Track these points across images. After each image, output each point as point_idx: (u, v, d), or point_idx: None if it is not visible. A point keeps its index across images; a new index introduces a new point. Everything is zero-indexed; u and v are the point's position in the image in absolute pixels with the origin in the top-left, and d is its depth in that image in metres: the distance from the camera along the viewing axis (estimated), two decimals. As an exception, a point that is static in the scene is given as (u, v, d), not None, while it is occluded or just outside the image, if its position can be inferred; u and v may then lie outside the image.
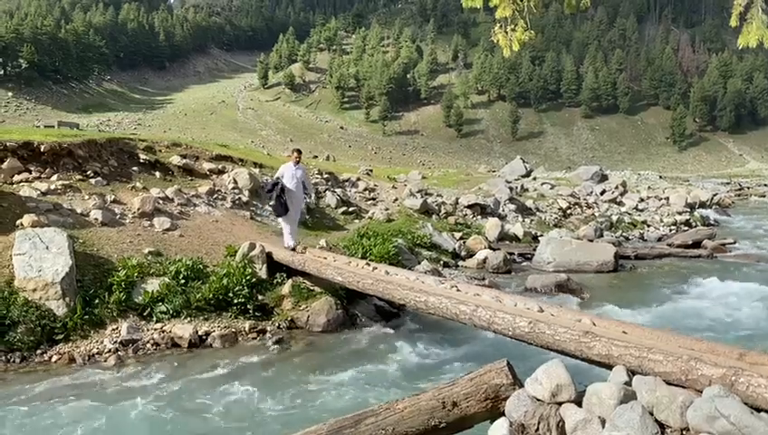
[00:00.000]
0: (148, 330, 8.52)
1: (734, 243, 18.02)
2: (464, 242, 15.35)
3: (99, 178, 11.62)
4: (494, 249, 15.03)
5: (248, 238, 10.91)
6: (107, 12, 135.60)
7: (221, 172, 14.10)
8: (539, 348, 5.62)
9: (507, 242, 16.61)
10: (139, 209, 10.86)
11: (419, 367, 7.71)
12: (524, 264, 14.84)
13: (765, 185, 54.40)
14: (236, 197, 13.10)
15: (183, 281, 9.29)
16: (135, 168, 12.86)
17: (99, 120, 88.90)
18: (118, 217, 10.61)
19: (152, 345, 8.26)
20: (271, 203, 10.58)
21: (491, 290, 8.03)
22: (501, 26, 4.10)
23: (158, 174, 13.01)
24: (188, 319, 8.82)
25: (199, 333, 8.57)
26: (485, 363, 5.37)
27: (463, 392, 4.83)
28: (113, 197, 11.14)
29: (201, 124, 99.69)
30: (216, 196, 12.87)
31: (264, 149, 47.65)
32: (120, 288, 8.79)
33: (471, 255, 14.76)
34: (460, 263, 14.39)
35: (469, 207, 18.61)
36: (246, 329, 8.88)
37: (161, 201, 11.56)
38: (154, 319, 8.71)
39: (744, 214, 28.46)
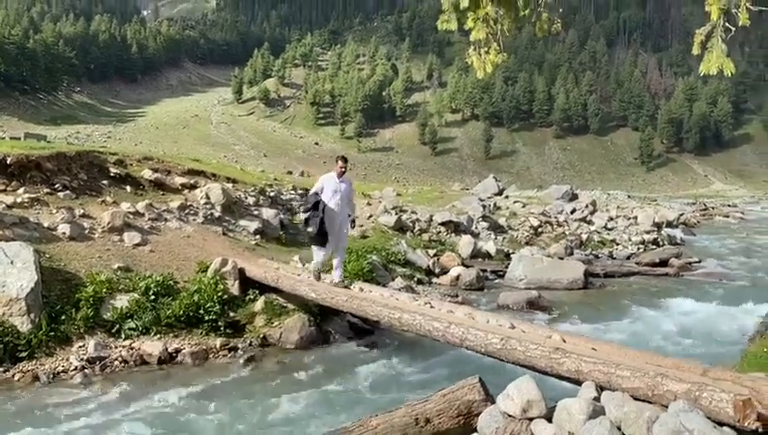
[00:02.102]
0: (116, 347, 8.36)
1: (700, 262, 18.45)
2: (437, 259, 15.44)
3: (67, 192, 11.43)
4: (467, 266, 15.15)
5: (220, 254, 10.81)
6: (77, 23, 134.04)
7: (193, 187, 13.97)
8: (511, 364, 5.69)
9: (480, 259, 16.76)
10: (108, 224, 10.70)
11: (393, 384, 7.70)
12: (497, 281, 14.97)
13: (729, 205, 55.87)
14: (209, 212, 12.99)
15: (153, 297, 9.15)
16: (105, 181, 12.67)
17: (67, 133, 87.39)
18: (87, 231, 10.43)
19: (120, 363, 8.10)
20: (309, 229, 8.49)
21: (464, 307, 8.10)
22: (475, 48, 4.21)
23: (128, 188, 12.84)
24: (158, 336, 8.68)
25: (169, 350, 8.43)
26: (458, 380, 5.42)
27: (436, 409, 4.87)
28: (82, 211, 10.95)
29: (173, 138, 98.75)
30: (187, 211, 12.74)
31: (238, 164, 47.37)
32: (87, 304, 8.61)
33: (444, 272, 14.84)
34: (434, 280, 14.46)
35: (443, 224, 18.74)
36: (217, 346, 8.77)
37: (132, 216, 11.40)
38: (123, 336, 8.55)
39: (709, 233, 29.17)
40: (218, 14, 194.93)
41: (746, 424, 3.69)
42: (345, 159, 8.93)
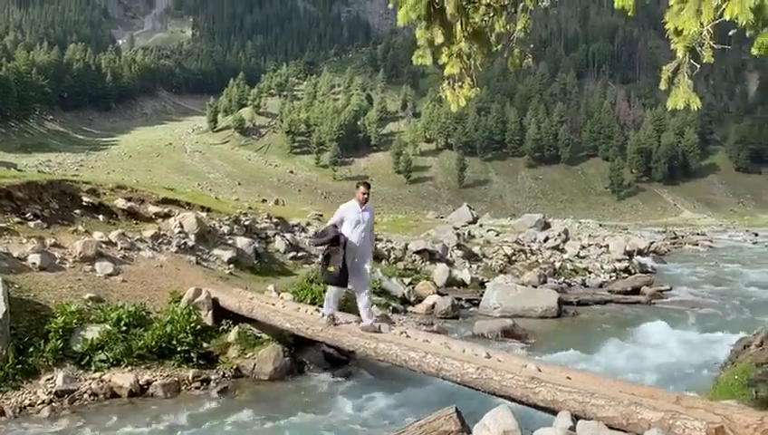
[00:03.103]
0: (85, 379, 8.15)
1: (671, 289, 18.74)
2: (413, 287, 15.44)
3: (38, 221, 11.22)
4: (442, 295, 15.17)
5: (194, 284, 10.68)
6: (51, 51, 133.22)
7: (167, 216, 13.83)
8: (487, 394, 5.70)
9: (455, 287, 16.80)
10: (80, 253, 10.51)
11: (368, 415, 7.63)
12: (472, 309, 15.00)
13: (698, 234, 57.08)
14: (182, 241, 12.84)
15: (124, 328, 8.97)
16: (77, 210, 12.48)
17: (39, 161, 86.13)
18: (57, 261, 10.23)
19: (90, 396, 7.90)
20: (330, 268, 7.39)
21: (440, 336, 8.11)
22: (449, 83, 4.31)
23: (101, 217, 12.67)
24: (129, 368, 8.49)
25: (140, 382, 8.25)
26: (435, 410, 5.40)
27: (412, 440, 4.83)
28: (53, 240, 10.75)
29: (147, 166, 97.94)
30: (161, 240, 12.58)
31: (212, 193, 47.02)
32: (57, 336, 8.40)
33: (420, 300, 14.83)
34: (409, 308, 14.43)
35: (418, 252, 18.78)
36: (190, 378, 8.61)
37: (104, 245, 11.23)
38: (93, 368, 8.34)
39: (680, 261, 29.71)
40: (194, 44, 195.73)
41: (718, 451, 3.75)
42: (368, 185, 7.89)
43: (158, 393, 8.16)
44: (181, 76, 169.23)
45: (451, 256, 19.75)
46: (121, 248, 11.44)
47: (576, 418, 4.50)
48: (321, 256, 7.61)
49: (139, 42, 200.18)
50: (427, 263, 18.40)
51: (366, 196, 7.74)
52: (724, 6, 2.98)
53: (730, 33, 3.17)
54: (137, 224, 13.07)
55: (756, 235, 55.11)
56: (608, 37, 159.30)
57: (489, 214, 57.20)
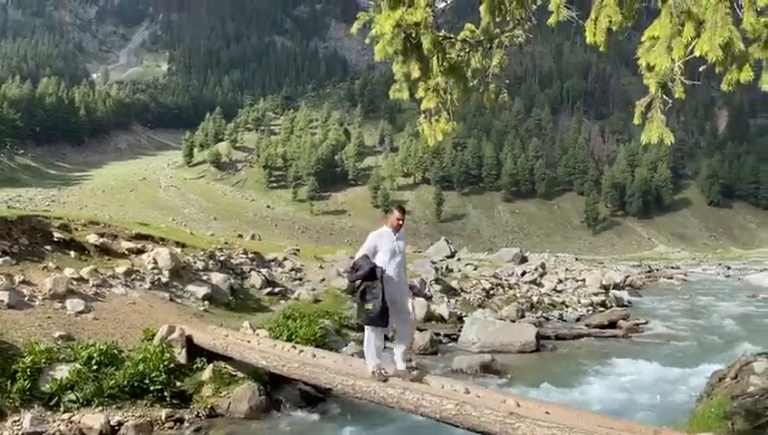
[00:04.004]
0: (54, 421, 7.85)
1: (647, 323, 18.88)
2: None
3: (7, 258, 10.96)
4: (420, 330, 15.04)
5: (167, 321, 10.45)
6: (24, 85, 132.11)
7: (140, 252, 13.63)
8: (466, 430, 5.62)
9: (433, 322, 16.70)
10: (50, 291, 10.26)
11: (346, 454, 7.46)
12: (450, 344, 14.91)
13: (672, 267, 57.89)
14: (156, 277, 12.63)
15: (95, 367, 8.71)
16: (48, 246, 12.23)
17: (8, 196, 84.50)
18: (26, 298, 9.96)
19: (58, 438, 7.61)
20: (367, 307, 6.31)
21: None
22: (425, 117, 4.37)
23: (72, 253, 12.42)
24: (100, 408, 8.22)
25: (111, 422, 7.98)
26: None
27: (391, 480, 4.72)
28: (22, 277, 10.48)
29: (120, 202, 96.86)
30: (134, 276, 12.36)
31: (187, 228, 46.58)
32: (24, 376, 8.11)
33: (398, 336, 14.70)
34: (387, 344, 14.27)
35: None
36: (163, 418, 8.35)
37: (75, 282, 10.98)
38: (62, 409, 8.05)
39: (655, 295, 30.02)
40: (170, 79, 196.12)
41: (699, 486, 3.72)
42: (403, 210, 6.89)
43: (129, 434, 7.90)
44: (156, 111, 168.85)
45: (429, 290, 19.70)
46: (93, 285, 11.20)
47: (556, 454, 4.46)
48: (356, 294, 6.53)
49: (114, 76, 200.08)
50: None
51: (401, 222, 6.69)
52: (694, 43, 3.08)
53: (700, 69, 3.27)
54: (109, 260, 12.84)
55: (729, 268, 56.08)
56: (581, 74, 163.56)
57: (467, 248, 57.51)
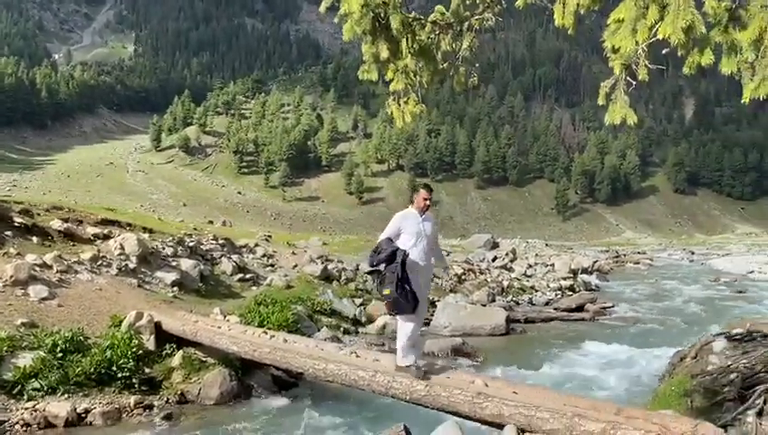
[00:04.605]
0: (17, 409, 7.71)
1: (613, 306, 19.28)
2: (364, 308, 15.37)
3: (-33, 243, 10.68)
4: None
5: (135, 307, 10.32)
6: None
7: (107, 237, 13.39)
8: (437, 411, 5.68)
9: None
10: (11, 277, 10.03)
11: (317, 437, 7.49)
12: (422, 329, 14.98)
13: (639, 253, 59.09)
14: (123, 263, 12.44)
15: (61, 354, 8.57)
16: (9, 232, 11.94)
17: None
18: (-13, 284, 9.73)
19: (22, 427, 7.47)
20: (384, 292, 5.73)
21: (390, 355, 8.04)
22: (394, 99, 4.35)
23: (35, 239, 12.15)
24: (66, 396, 8.10)
25: (78, 410, 7.87)
26: (384, 429, 5.35)
27: (360, 461, 4.76)
28: (-17, 263, 10.24)
29: (86, 187, 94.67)
30: (100, 262, 12.15)
31: (156, 214, 45.91)
32: (-15, 364, 7.96)
33: (371, 321, 14.78)
34: (361, 329, 14.35)
35: (370, 273, 18.70)
36: (131, 404, 8.27)
37: (38, 268, 10.75)
38: (25, 397, 7.90)
39: (622, 279, 30.64)
40: (136, 60, 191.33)
41: (659, 460, 3.83)
42: (430, 189, 6.25)
43: (97, 422, 7.82)
44: (123, 93, 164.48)
45: (401, 275, 19.78)
46: (57, 271, 10.99)
47: (522, 431, 4.54)
48: (376, 281, 5.94)
49: (77, 57, 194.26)
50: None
51: (428, 202, 6.12)
52: (658, 26, 3.12)
53: (663, 52, 3.32)
54: (74, 246, 12.60)
55: (693, 253, 57.47)
56: (553, 61, 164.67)
57: (440, 234, 57.73)
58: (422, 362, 6.09)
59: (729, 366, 6.65)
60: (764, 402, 5.60)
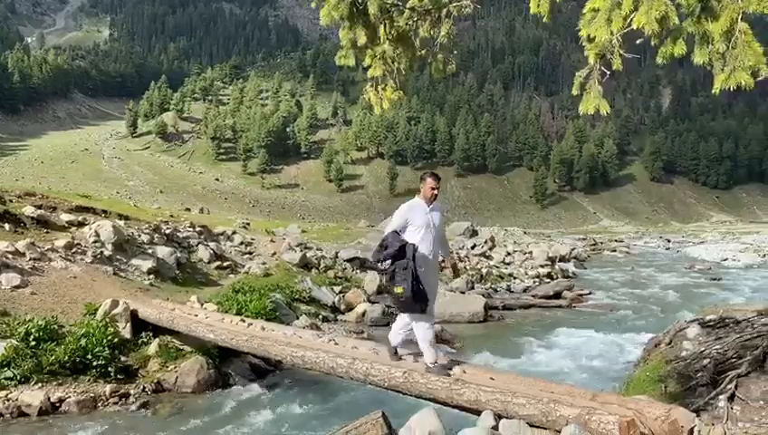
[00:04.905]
0: (-11, 399, 7.60)
1: (590, 293, 19.53)
2: (343, 296, 15.37)
3: (-64, 230, 10.43)
4: (372, 302, 15.18)
5: (111, 295, 10.20)
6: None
7: (82, 224, 13.18)
8: (415, 398, 5.71)
9: (385, 295, 16.83)
10: (-17, 264, 9.84)
11: (296, 424, 7.49)
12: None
13: (616, 240, 59.85)
14: (98, 251, 12.26)
15: (34, 343, 8.44)
16: (-19, 219, 11.70)
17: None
18: (-43, 272, 9.53)
19: (-6, 416, 7.37)
20: (396, 290, 5.36)
21: (368, 342, 8.06)
22: (372, 85, 4.32)
23: (7, 226, 11.92)
24: (39, 385, 7.99)
25: (52, 399, 7.78)
26: (363, 416, 5.36)
27: (338, 447, 4.77)
28: (-47, 250, 10.02)
29: (60, 173, 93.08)
30: (75, 250, 11.96)
31: (132, 201, 45.28)
32: (-45, 353, 7.81)
33: (350, 308, 14.79)
34: (339, 317, 14.36)
35: (349, 260, 18.75)
36: (107, 393, 8.19)
37: (10, 256, 10.55)
38: (-3, 386, 7.79)
39: (599, 267, 31.03)
40: (111, 45, 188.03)
41: (631, 444, 3.89)
42: (437, 177, 5.83)
43: (71, 411, 7.73)
44: (98, 78, 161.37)
45: (382, 263, 19.80)
46: (30, 259, 10.80)
47: (499, 417, 4.58)
48: (385, 277, 5.57)
49: (51, 41, 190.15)
50: (358, 271, 18.39)
51: (436, 191, 5.71)
52: (632, 16, 3.13)
53: (637, 42, 3.33)
54: (48, 233, 12.39)
55: (669, 241, 58.37)
56: (533, 50, 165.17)
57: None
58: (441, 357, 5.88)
59: (702, 352, 6.77)
60: (736, 387, 5.72)
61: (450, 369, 5.52)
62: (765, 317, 7.40)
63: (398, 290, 5.32)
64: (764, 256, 35.05)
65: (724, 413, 5.26)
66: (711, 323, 7.92)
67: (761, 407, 5.39)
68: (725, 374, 5.93)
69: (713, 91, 3.25)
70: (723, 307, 9.01)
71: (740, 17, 2.90)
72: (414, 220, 5.58)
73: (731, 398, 5.55)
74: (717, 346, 6.74)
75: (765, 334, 6.50)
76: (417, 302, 5.35)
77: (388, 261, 5.39)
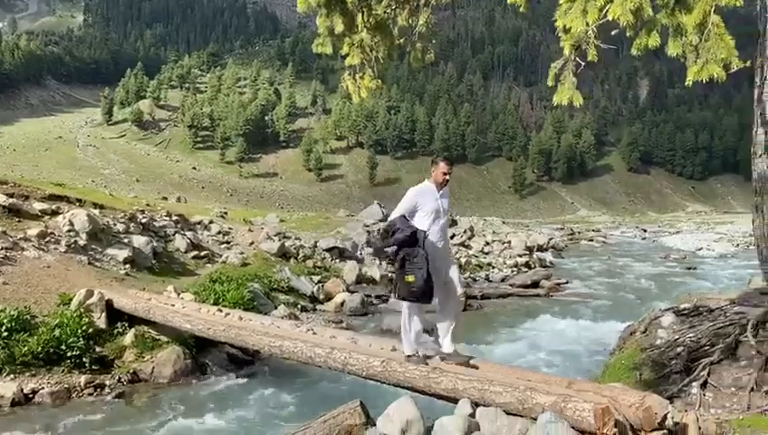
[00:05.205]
0: (-41, 391, 7.46)
1: (567, 282, 19.75)
2: (322, 285, 15.35)
3: None
4: (351, 292, 15.19)
5: (86, 285, 10.05)
6: None
7: (55, 213, 12.94)
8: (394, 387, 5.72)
9: (365, 284, 16.87)
10: (-47, 254, 9.62)
11: (274, 414, 7.49)
12: (381, 306, 15.10)
13: (593, 230, 60.52)
14: (72, 240, 12.05)
15: (6, 334, 8.29)
16: (-49, 207, 11.43)
17: None
18: (-74, 262, 9.31)
19: (-35, 408, 7.24)
20: (408, 278, 5.06)
21: (347, 332, 8.07)
22: (350, 73, 4.28)
23: (-21, 215, 11.66)
24: (12, 376, 7.87)
25: (25, 390, 7.67)
26: (341, 405, 5.37)
27: (315, 436, 4.78)
28: None
29: (33, 161, 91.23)
30: (48, 239, 11.75)
31: (107, 190, 44.63)
32: (-76, 345, 7.65)
33: (329, 298, 14.77)
34: (318, 306, 14.34)
35: (328, 250, 18.72)
36: (81, 384, 8.09)
37: (-18, 245, 10.34)
38: (-32, 378, 7.66)
39: (576, 256, 31.38)
40: (86, 31, 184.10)
41: (605, 431, 3.95)
42: (451, 162, 5.58)
43: (45, 401, 7.65)
44: (72, 64, 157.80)
45: (361, 253, 19.82)
46: (2, 248, 10.59)
47: (476, 405, 4.62)
48: (395, 263, 5.17)
49: (23, 26, 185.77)
50: (337, 260, 18.37)
51: (448, 176, 5.47)
52: (608, 8, 3.14)
53: (612, 33, 3.35)
54: (20, 222, 12.14)
55: (645, 231, 59.18)
56: (512, 40, 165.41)
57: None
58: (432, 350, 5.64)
59: (676, 340, 6.88)
60: (708, 374, 5.83)
61: (426, 362, 5.42)
62: (738, 306, 7.54)
63: (410, 279, 5.05)
64: (738, 245, 35.71)
65: (696, 400, 5.36)
66: (685, 312, 8.05)
67: (732, 393, 5.51)
68: (698, 362, 6.04)
69: (686, 83, 3.28)
70: (697, 296, 9.17)
71: (713, 10, 2.93)
72: (423, 205, 5.34)
73: (704, 385, 5.67)
74: (691, 334, 6.86)
75: (737, 323, 6.63)
76: (427, 292, 5.11)
77: (394, 248, 5.12)
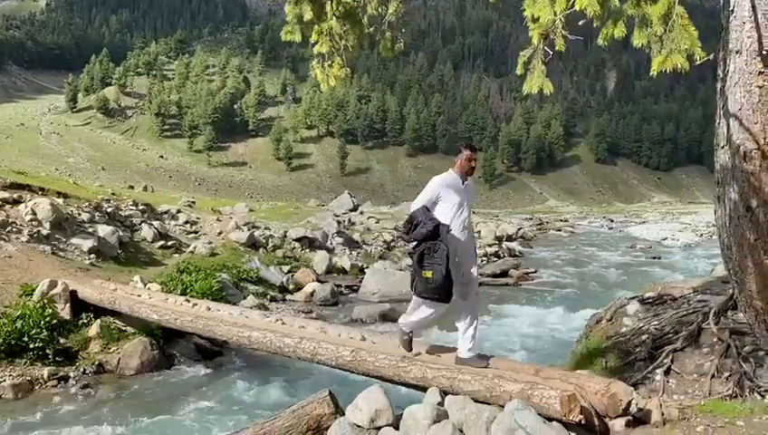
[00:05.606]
0: None
1: (536, 272, 20.01)
2: (292, 275, 15.27)
3: None
4: (322, 282, 15.15)
5: (49, 275, 9.82)
6: None
7: (17, 202, 12.59)
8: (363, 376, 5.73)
9: (335, 274, 16.84)
10: None
11: (242, 405, 7.44)
12: (351, 295, 15.11)
13: (561, 220, 61.40)
14: (35, 230, 11.75)
15: (-35, 326, 8.08)
16: None
17: None
18: None
19: None
20: (427, 274, 4.78)
21: (316, 322, 8.05)
22: (319, 61, 4.24)
23: (-65, 203, 11.29)
24: (-29, 369, 7.66)
25: (-16, 384, 7.48)
26: (311, 395, 5.36)
27: (285, 425, 4.77)
28: None
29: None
30: (9, 228, 11.43)
31: (71, 178, 43.55)
32: None
33: (299, 288, 14.71)
34: (288, 296, 14.27)
35: (298, 240, 18.61)
36: (45, 376, 7.93)
37: (-61, 235, 10.01)
38: (-75, 372, 7.43)
39: (544, 246, 31.79)
40: (49, 15, 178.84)
41: (571, 417, 4.02)
42: (475, 148, 5.26)
43: (7, 395, 7.49)
44: (34, 50, 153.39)
45: (331, 243, 19.76)
46: (-39, 238, 10.27)
47: (444, 393, 4.65)
48: (414, 257, 4.89)
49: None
50: (307, 250, 18.28)
51: (473, 163, 5.16)
52: (575, -2, 3.16)
53: (579, 23, 3.37)
54: (-20, 211, 11.78)
55: (612, 221, 60.25)
56: (483, 31, 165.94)
57: (370, 202, 58.05)
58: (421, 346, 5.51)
59: (641, 328, 7.01)
60: (672, 361, 5.96)
61: (410, 347, 5.34)
62: (700, 294, 7.71)
63: (427, 274, 4.76)
64: (702, 235, 36.57)
65: (660, 386, 5.48)
66: (650, 301, 8.20)
67: (694, 380, 5.65)
68: (662, 349, 6.17)
69: (651, 74, 3.32)
70: (661, 285, 9.35)
71: (677, 1, 2.97)
72: (447, 197, 4.99)
73: (667, 371, 5.79)
74: (655, 322, 6.99)
75: (700, 310, 6.78)
76: (445, 290, 4.80)
77: (413, 242, 4.88)
